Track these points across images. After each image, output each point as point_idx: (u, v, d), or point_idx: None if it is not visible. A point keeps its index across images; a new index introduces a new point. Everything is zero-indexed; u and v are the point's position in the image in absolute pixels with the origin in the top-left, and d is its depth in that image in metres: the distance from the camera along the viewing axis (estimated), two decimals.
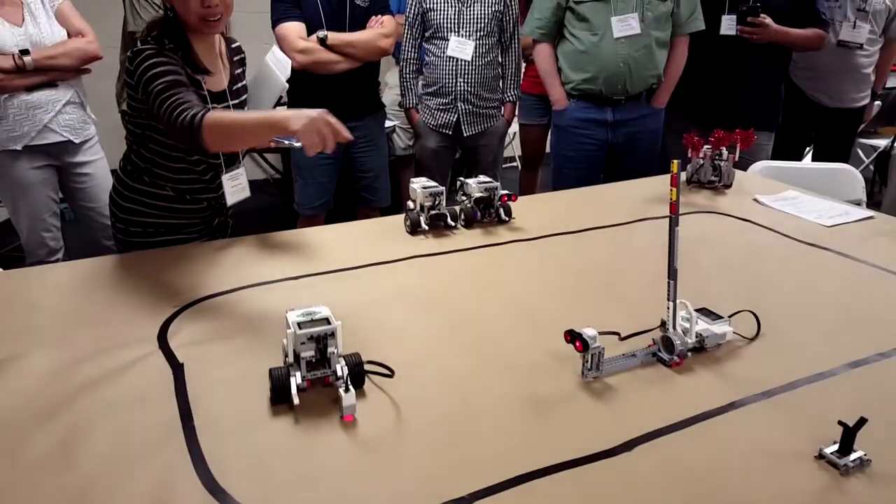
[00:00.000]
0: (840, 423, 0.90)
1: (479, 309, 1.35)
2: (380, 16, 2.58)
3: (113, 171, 1.78)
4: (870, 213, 1.93)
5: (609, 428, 0.98)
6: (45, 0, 2.35)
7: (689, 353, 1.16)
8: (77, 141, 2.44)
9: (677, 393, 1.07)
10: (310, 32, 2.48)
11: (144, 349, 1.17)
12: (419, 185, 1.76)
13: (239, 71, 1.76)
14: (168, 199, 1.67)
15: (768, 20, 2.65)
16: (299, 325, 1.01)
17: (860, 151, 4.72)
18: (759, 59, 2.74)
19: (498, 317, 1.31)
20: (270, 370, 1.01)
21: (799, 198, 2.07)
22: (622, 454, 0.93)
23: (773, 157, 2.85)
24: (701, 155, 2.12)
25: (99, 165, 2.54)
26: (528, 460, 0.90)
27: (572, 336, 1.09)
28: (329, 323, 1.02)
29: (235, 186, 1.69)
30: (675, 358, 1.14)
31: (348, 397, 0.97)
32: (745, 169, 2.43)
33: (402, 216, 1.78)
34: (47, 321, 1.26)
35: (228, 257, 1.57)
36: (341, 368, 1.01)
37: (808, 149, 3.59)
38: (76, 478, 0.87)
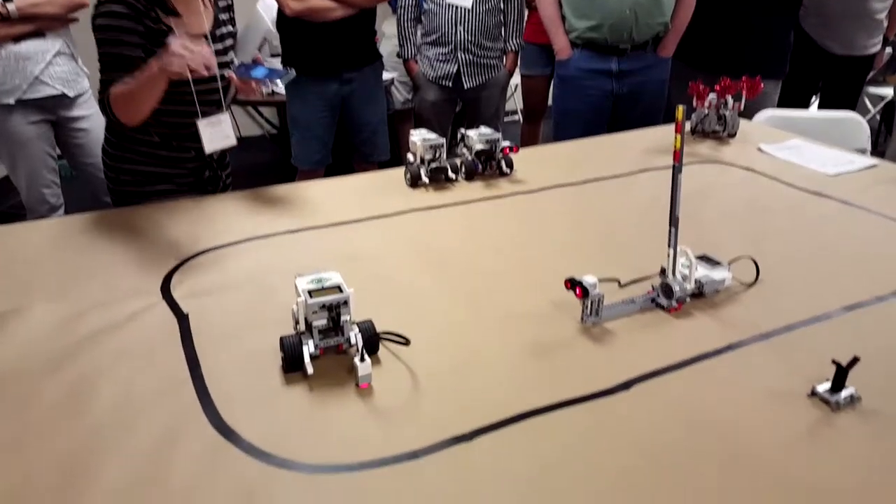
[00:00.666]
0: (833, 361, 0.91)
1: (480, 260, 1.35)
2: None
3: None
4: (874, 161, 1.92)
5: (607, 369, 0.99)
6: None
7: (688, 299, 1.17)
8: (71, 94, 2.42)
9: (675, 336, 1.09)
10: None
11: (148, 300, 1.18)
12: (419, 138, 1.75)
13: (225, 16, 1.73)
14: (155, 146, 1.67)
15: None
16: (310, 293, 0.98)
17: (867, 100, 4.66)
18: (769, 6, 2.68)
19: (499, 267, 1.32)
20: (282, 339, 0.98)
21: (803, 146, 2.05)
22: (619, 393, 0.94)
23: (780, 106, 2.81)
24: (706, 104, 2.10)
25: (94, 119, 2.52)
26: (528, 400, 0.92)
27: (572, 283, 1.10)
28: (341, 291, 0.99)
29: (216, 133, 1.63)
30: (674, 303, 1.15)
31: (364, 367, 0.95)
32: (750, 118, 2.40)
33: (401, 169, 1.78)
34: (49, 275, 1.27)
35: (228, 211, 1.57)
36: (355, 336, 0.99)
37: (814, 97, 3.54)
38: (87, 423, 0.89)
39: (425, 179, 1.72)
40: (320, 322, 0.98)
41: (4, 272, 1.28)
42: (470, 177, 1.78)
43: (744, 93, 2.05)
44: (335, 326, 0.99)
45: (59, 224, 1.54)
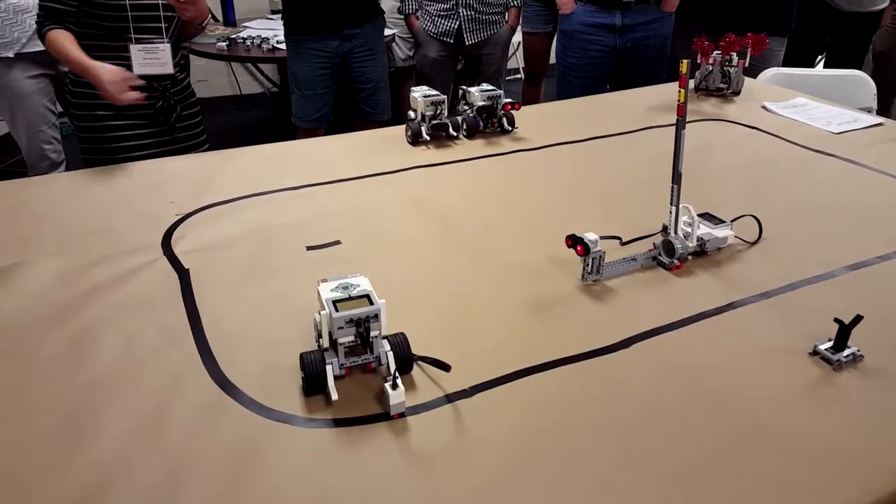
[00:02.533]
0: (836, 320, 0.91)
1: (481, 217, 1.34)
2: None
3: None
4: (879, 119, 1.89)
5: (607, 327, 0.99)
6: None
7: (690, 257, 1.17)
8: None
9: (676, 294, 1.09)
10: None
11: (149, 256, 1.18)
12: (420, 94, 1.72)
13: None
14: None
15: None
16: (335, 304, 0.85)
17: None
18: None
19: (500, 225, 1.32)
20: (302, 356, 0.86)
21: (808, 105, 2.02)
22: (620, 351, 0.95)
23: (785, 64, 2.76)
24: (710, 61, 2.06)
25: None
26: (528, 357, 0.93)
27: (573, 241, 1.09)
28: (371, 302, 0.85)
29: (149, 59, 1.72)
30: (676, 261, 1.14)
31: (396, 395, 0.82)
32: (755, 76, 2.37)
33: (402, 127, 1.76)
34: (51, 230, 1.27)
35: (228, 168, 1.56)
36: (385, 355, 0.87)
37: (820, 57, 3.48)
38: (88, 375, 0.89)
39: (426, 136, 1.70)
40: (347, 338, 0.85)
41: (6, 227, 1.28)
42: (471, 134, 1.76)
43: (749, 49, 2.02)
44: (363, 342, 0.86)
45: (61, 179, 1.53)
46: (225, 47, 3.28)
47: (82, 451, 0.77)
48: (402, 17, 2.93)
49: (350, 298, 0.86)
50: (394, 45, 3.56)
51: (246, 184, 1.47)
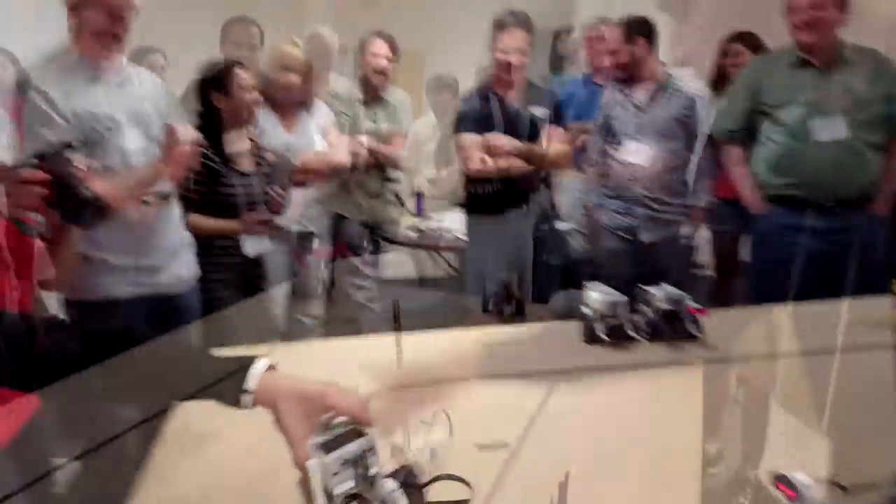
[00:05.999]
0: None
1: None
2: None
3: None
4: None
5: None
6: None
7: None
8: None
9: None
10: None
11: None
12: (597, 291, 1.66)
13: None
14: None
15: None
16: (323, 447, 0.71)
17: None
18: None
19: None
20: None
21: None
22: None
23: None
24: None
25: None
26: None
27: (779, 480, 0.91)
28: (360, 434, 0.72)
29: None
30: None
31: None
32: None
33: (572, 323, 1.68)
34: None
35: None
36: (392, 496, 0.73)
37: None
38: None
39: (603, 336, 1.61)
40: (345, 486, 0.69)
41: None
42: (653, 337, 1.63)
43: None
44: (366, 485, 0.71)
45: None
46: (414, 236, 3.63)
47: None
48: (583, 209, 3.02)
49: (335, 437, 0.71)
50: (569, 238, 3.64)
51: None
